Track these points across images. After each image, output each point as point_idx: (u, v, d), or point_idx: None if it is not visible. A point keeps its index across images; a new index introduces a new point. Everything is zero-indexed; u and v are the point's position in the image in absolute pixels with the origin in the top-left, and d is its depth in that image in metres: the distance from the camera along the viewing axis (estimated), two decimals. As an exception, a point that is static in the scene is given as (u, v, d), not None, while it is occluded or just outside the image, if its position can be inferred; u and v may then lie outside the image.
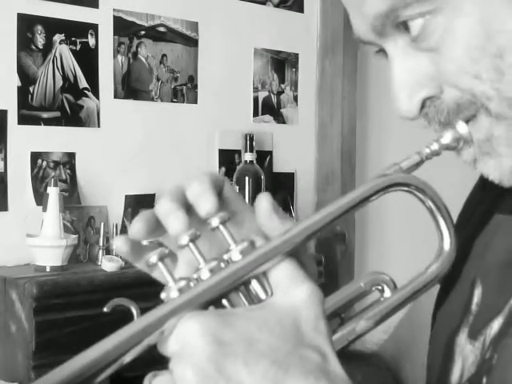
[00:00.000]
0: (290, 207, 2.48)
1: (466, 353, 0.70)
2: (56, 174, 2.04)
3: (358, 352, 0.82)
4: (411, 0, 0.59)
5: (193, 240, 0.57)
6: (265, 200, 0.59)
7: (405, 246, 2.84)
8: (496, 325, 0.68)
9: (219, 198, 0.59)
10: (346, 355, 0.62)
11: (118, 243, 0.60)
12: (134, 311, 0.55)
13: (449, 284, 0.75)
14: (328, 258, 2.45)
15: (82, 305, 1.75)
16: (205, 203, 0.57)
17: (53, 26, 2.04)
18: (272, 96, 2.55)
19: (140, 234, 0.59)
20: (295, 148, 2.61)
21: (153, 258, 0.57)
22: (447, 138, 0.63)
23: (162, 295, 0.56)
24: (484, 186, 0.66)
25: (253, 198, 2.29)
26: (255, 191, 2.31)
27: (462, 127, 0.62)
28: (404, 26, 0.62)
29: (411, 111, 0.64)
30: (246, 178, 2.33)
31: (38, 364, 1.71)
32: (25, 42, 2.00)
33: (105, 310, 0.55)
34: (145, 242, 0.62)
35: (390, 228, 2.80)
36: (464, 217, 0.83)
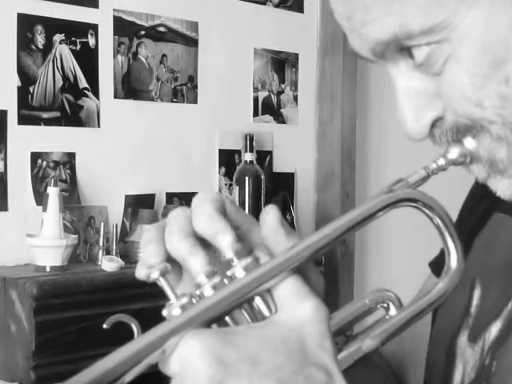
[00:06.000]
0: (289, 207, 2.48)
1: (467, 356, 0.70)
2: (56, 174, 2.04)
3: None
4: (415, 33, 0.58)
5: None
6: (272, 213, 0.57)
7: (405, 246, 2.84)
8: (494, 329, 0.68)
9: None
10: None
11: (155, 275, 0.56)
12: (135, 329, 0.53)
13: None
14: (328, 258, 2.44)
15: (82, 305, 1.75)
16: (226, 242, 0.55)
17: (53, 25, 2.04)
18: (272, 96, 2.55)
19: (157, 258, 0.57)
20: (295, 148, 2.60)
21: (154, 273, 0.55)
22: (454, 153, 0.62)
23: (164, 312, 0.54)
24: None
25: (253, 198, 2.30)
26: (255, 191, 2.32)
27: (469, 142, 0.61)
28: (407, 51, 0.60)
29: (420, 133, 0.62)
30: (246, 178, 2.32)
31: (38, 364, 1.71)
32: (25, 42, 2.00)
33: (104, 326, 0.54)
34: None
35: (390, 228, 2.80)
36: (466, 211, 0.82)
